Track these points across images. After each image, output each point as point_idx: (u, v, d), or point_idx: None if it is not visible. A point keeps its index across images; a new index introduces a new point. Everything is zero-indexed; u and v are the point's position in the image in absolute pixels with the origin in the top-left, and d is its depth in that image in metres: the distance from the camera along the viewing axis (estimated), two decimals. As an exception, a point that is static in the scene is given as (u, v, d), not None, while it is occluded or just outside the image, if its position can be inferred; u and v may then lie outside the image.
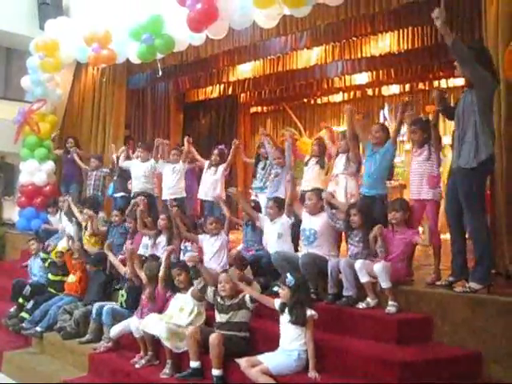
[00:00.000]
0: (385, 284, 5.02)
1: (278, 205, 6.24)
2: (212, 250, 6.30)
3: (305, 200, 6.13)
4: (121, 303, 6.39)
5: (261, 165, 7.88)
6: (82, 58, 9.98)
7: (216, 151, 8.08)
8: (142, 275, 6.18)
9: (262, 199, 7.37)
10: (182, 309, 5.48)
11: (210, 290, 5.36)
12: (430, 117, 5.89)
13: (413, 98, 11.74)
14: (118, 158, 9.08)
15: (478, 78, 4.78)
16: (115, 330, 5.93)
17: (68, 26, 10.29)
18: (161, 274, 5.99)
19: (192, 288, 5.59)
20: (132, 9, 8.54)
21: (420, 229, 6.23)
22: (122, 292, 6.46)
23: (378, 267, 5.04)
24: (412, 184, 5.70)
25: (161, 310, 5.83)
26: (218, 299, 5.24)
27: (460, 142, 4.93)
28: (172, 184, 8.17)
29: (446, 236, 5.52)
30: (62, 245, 8.00)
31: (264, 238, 6.45)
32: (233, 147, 7.99)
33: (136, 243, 7.28)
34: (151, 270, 6.08)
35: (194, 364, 4.96)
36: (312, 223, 5.84)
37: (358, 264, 5.15)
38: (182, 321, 5.39)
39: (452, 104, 5.67)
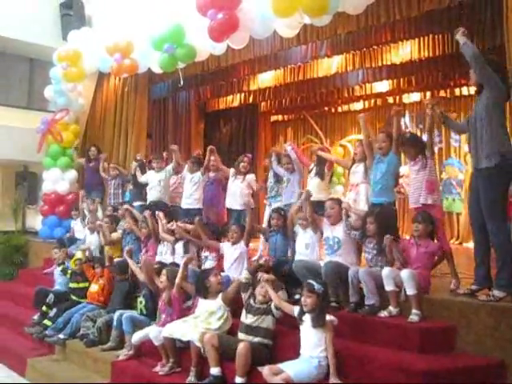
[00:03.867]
0: (410, 291, 4.95)
1: None
2: (232, 257, 6.39)
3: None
4: (140, 310, 6.43)
5: (266, 176, 8.26)
6: (105, 68, 10.10)
7: (246, 159, 8.02)
8: (160, 281, 6.17)
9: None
10: (213, 312, 5.46)
11: (249, 291, 5.38)
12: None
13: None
14: (133, 174, 9.16)
15: (488, 77, 4.87)
16: (136, 337, 5.96)
17: (90, 37, 10.42)
18: (177, 280, 5.97)
19: (223, 292, 5.60)
20: (154, 19, 8.61)
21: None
22: (141, 299, 6.50)
23: (406, 274, 4.98)
24: (410, 192, 5.78)
25: (179, 315, 5.84)
26: (251, 300, 5.26)
27: (476, 147, 4.97)
28: (188, 194, 8.22)
29: (469, 244, 5.47)
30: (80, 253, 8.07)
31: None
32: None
33: (152, 251, 7.42)
34: (173, 274, 6.06)
35: (213, 370, 4.97)
36: (335, 232, 5.83)
37: (386, 271, 5.10)
38: (212, 325, 5.39)
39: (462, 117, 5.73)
